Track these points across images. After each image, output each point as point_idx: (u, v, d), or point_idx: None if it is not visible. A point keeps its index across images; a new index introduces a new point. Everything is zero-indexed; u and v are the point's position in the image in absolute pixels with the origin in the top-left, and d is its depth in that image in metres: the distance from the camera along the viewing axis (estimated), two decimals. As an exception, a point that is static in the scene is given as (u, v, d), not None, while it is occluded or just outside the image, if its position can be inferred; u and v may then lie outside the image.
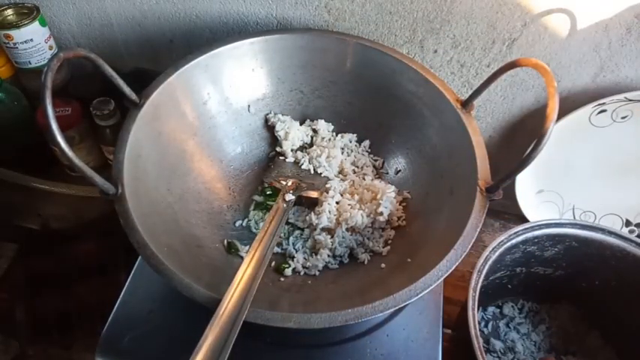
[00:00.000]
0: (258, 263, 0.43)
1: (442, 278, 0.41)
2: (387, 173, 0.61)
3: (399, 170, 0.61)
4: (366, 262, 0.53)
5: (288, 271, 0.52)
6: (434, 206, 0.53)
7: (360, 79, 0.60)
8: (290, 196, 0.54)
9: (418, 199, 0.57)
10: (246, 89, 0.61)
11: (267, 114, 0.63)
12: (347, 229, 0.54)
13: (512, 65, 0.45)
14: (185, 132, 0.55)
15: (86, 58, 0.41)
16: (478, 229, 0.43)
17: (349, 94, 0.62)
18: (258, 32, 0.59)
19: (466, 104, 0.52)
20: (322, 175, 0.59)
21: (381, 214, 0.54)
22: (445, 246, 0.43)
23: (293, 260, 0.53)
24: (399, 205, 0.56)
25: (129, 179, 0.45)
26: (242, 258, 0.52)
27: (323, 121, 0.63)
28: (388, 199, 0.54)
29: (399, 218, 0.56)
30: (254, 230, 0.57)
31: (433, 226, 0.51)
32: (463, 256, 0.42)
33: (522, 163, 0.41)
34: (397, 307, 0.40)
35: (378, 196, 0.55)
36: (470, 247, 0.42)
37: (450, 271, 0.41)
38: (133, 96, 0.48)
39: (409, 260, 0.49)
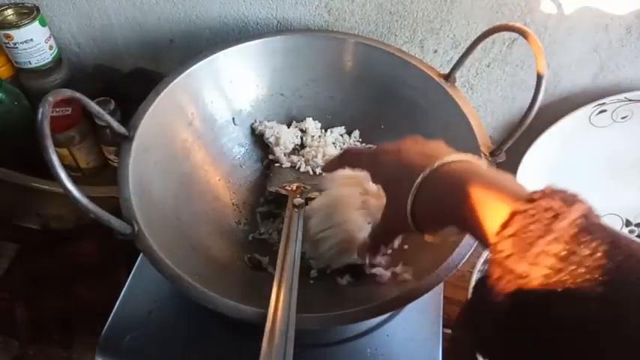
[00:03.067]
0: (290, 270, 0.42)
1: (443, 279, 0.41)
2: None
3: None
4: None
5: (314, 272, 0.51)
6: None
7: (339, 72, 0.60)
8: (299, 200, 0.54)
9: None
10: (227, 102, 0.59)
11: (253, 123, 0.62)
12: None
13: (495, 29, 0.46)
14: (177, 157, 0.53)
15: (72, 98, 0.39)
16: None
17: (329, 89, 0.62)
18: (226, 43, 0.57)
19: (448, 77, 0.53)
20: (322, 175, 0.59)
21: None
22: (446, 246, 0.43)
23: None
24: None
25: (141, 215, 0.42)
26: (266, 270, 0.52)
27: (311, 119, 0.63)
28: None
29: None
30: (270, 241, 0.56)
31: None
32: (467, 257, 0.41)
33: (522, 122, 0.42)
34: (397, 309, 0.39)
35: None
36: (472, 248, 0.42)
37: (452, 272, 0.41)
38: (122, 129, 0.46)
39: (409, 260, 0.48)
